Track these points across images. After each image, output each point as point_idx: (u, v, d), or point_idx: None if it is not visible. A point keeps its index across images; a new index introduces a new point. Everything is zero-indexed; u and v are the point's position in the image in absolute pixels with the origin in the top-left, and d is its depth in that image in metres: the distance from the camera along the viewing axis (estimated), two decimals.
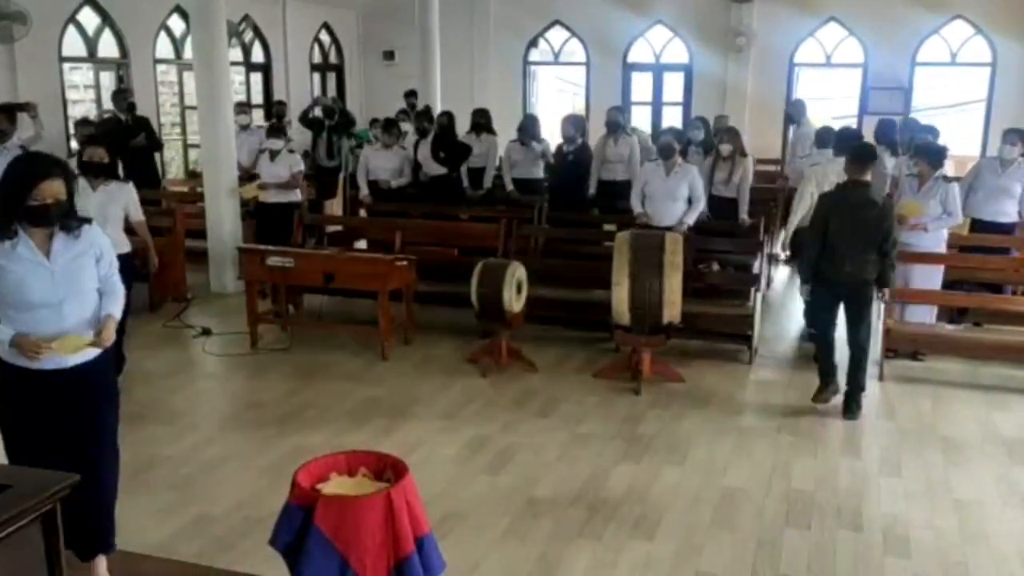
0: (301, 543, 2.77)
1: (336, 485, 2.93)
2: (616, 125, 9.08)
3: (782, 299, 8.78)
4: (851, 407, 5.62)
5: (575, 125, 8.79)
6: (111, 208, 5.71)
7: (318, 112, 11.39)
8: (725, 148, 7.99)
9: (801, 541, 4.15)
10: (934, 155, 6.74)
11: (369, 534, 2.73)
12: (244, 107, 10.96)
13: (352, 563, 2.72)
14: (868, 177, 5.56)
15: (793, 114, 10.95)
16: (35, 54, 9.91)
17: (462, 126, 9.85)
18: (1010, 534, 4.26)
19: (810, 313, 6.35)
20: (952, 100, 14.41)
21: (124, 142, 9.19)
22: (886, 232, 5.49)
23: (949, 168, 8.11)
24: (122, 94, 9.80)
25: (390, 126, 9.31)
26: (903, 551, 4.07)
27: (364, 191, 9.18)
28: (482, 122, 9.71)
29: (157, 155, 10.36)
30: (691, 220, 7.30)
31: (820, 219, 5.60)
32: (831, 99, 14.98)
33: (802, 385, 6.20)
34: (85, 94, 11.45)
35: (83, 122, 8.35)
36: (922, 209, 6.52)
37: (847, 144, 6.29)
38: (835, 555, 4.04)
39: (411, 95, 12.57)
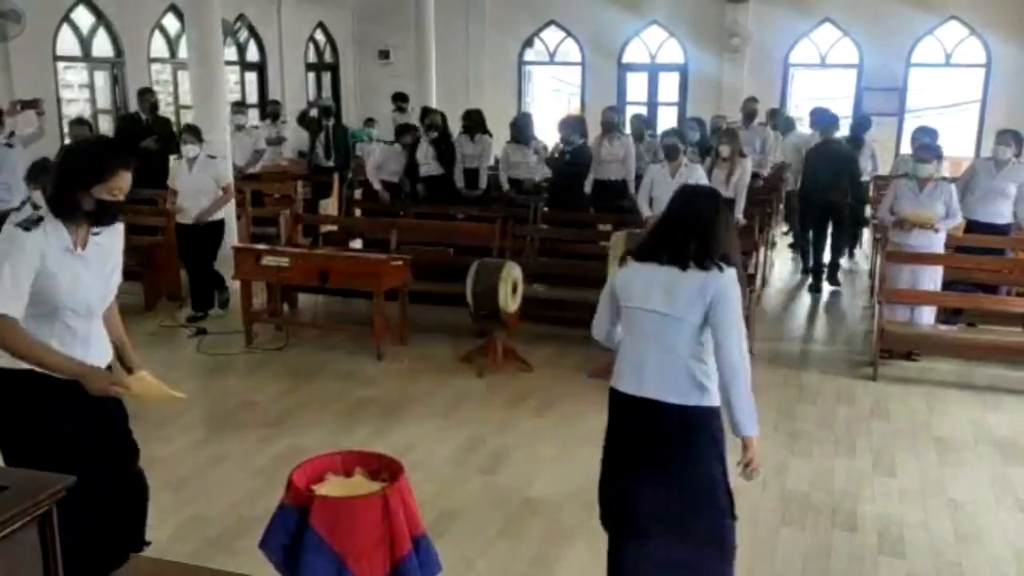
0: (297, 544, 2.76)
1: (331, 485, 2.93)
2: (612, 125, 9.11)
3: (777, 299, 8.80)
4: (833, 275, 8.93)
5: (572, 127, 8.80)
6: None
7: (314, 113, 11.39)
8: (725, 149, 8.01)
9: (796, 541, 4.15)
10: (938, 150, 6.92)
11: (365, 534, 2.73)
12: (241, 107, 10.95)
13: (349, 564, 2.71)
14: (836, 135, 8.95)
15: (780, 125, 11.11)
16: (29, 53, 9.89)
17: (455, 126, 9.85)
18: (1004, 534, 4.27)
19: (802, 226, 9.38)
20: (946, 101, 14.45)
21: (137, 142, 9.20)
22: (849, 166, 8.83)
23: (944, 169, 8.21)
24: (146, 94, 9.76)
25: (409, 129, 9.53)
26: (898, 551, 4.08)
27: (378, 186, 9.22)
28: (475, 122, 9.68)
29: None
30: None
31: (809, 163, 8.85)
32: (826, 100, 15.00)
33: (797, 385, 6.21)
34: (80, 93, 11.43)
35: (77, 122, 8.32)
36: (933, 218, 6.62)
37: (820, 118, 9.29)
38: (830, 555, 4.04)
39: (399, 98, 12.56)
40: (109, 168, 2.95)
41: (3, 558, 1.49)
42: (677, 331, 3.02)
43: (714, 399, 3.08)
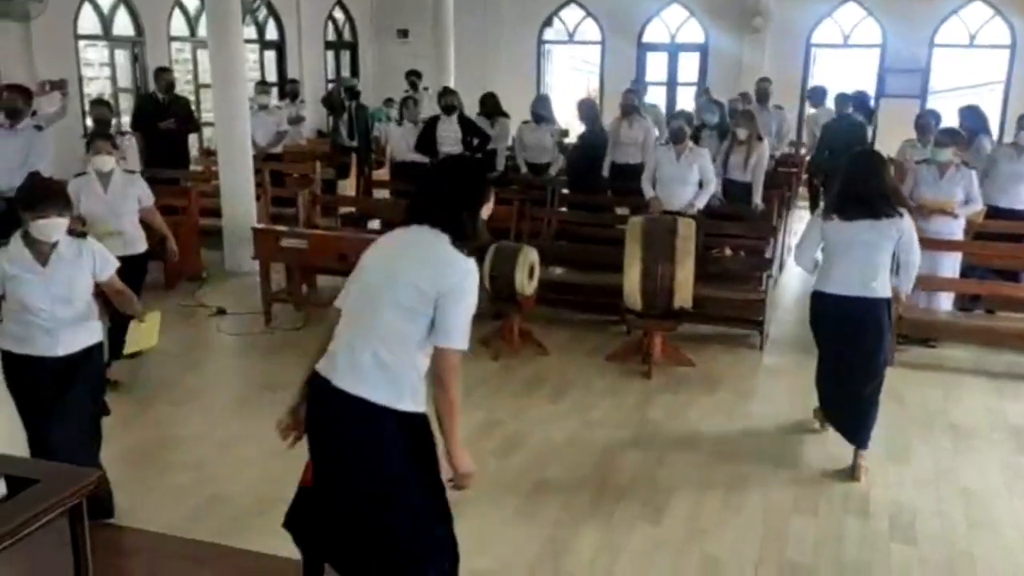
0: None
1: None
2: (631, 108, 9.06)
3: (795, 284, 8.76)
4: None
5: (583, 111, 8.81)
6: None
7: (340, 93, 11.41)
8: (742, 132, 7.92)
9: (808, 526, 4.19)
10: (961, 137, 6.81)
11: None
12: (265, 86, 10.98)
13: None
14: (850, 110, 9.82)
15: (813, 97, 11.20)
16: (51, 32, 9.93)
17: (473, 110, 9.84)
18: (1017, 523, 4.28)
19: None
20: (969, 82, 14.28)
21: (155, 123, 9.27)
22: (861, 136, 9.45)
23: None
24: (162, 73, 9.80)
25: (413, 103, 9.61)
26: (909, 538, 4.11)
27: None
28: (492, 107, 9.68)
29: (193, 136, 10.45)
30: (701, 203, 7.29)
31: (823, 138, 9.89)
32: (848, 80, 14.88)
33: (812, 371, 6.20)
34: (100, 71, 11.49)
35: (98, 102, 8.37)
36: (952, 204, 6.56)
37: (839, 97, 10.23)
38: (841, 541, 4.08)
39: (412, 74, 12.55)
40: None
41: (36, 549, 1.55)
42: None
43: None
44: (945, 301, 6.83)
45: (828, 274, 4.70)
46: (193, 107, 11.25)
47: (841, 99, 10.11)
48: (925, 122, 7.87)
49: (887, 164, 4.88)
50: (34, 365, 3.75)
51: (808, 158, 11.21)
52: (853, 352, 4.67)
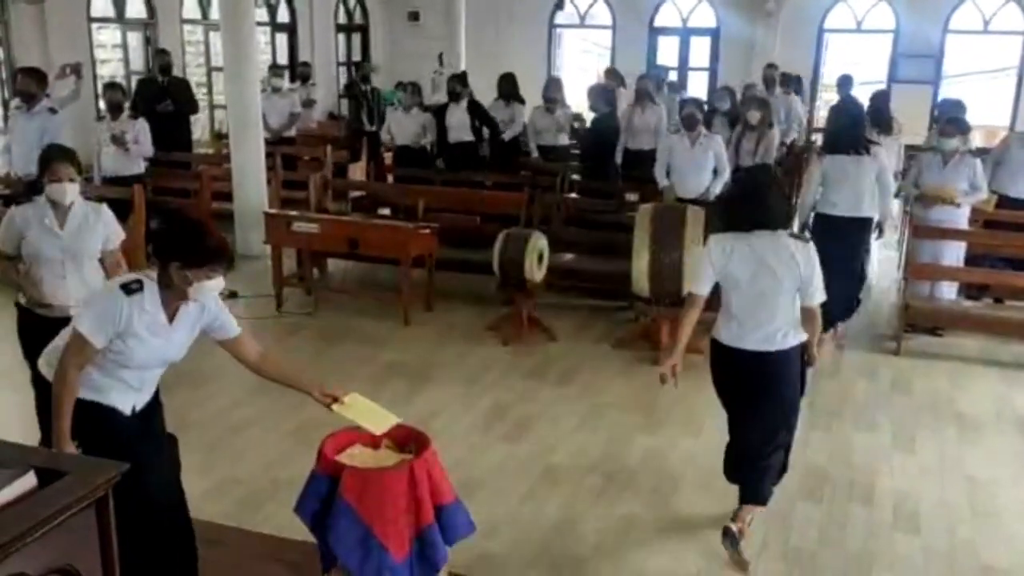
0: (327, 511, 2.89)
1: (360, 456, 3.04)
2: (645, 94, 9.06)
3: None
4: None
5: (598, 95, 8.80)
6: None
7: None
8: (754, 116, 7.84)
9: (813, 514, 4.23)
10: (964, 125, 6.81)
11: (392, 504, 2.85)
12: (278, 69, 11.00)
13: (376, 531, 2.83)
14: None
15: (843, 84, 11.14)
16: (64, 14, 9.99)
17: (486, 93, 9.83)
18: (1021, 512, 4.31)
19: None
20: (983, 68, 14.20)
21: (154, 105, 9.30)
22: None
23: (978, 139, 8.12)
24: (157, 56, 9.85)
25: (415, 87, 9.46)
26: (912, 527, 4.14)
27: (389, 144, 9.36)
28: (509, 89, 9.68)
29: (194, 117, 10.46)
30: (717, 190, 7.30)
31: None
32: (860, 65, 14.81)
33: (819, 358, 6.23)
34: (113, 53, 11.54)
35: (111, 86, 8.40)
36: (953, 194, 6.57)
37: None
38: (845, 529, 4.12)
39: (442, 54, 12.63)
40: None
41: (66, 539, 1.62)
42: None
43: None
44: (948, 290, 6.84)
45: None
46: (194, 89, 11.26)
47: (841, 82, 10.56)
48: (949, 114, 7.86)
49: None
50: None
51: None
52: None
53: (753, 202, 3.77)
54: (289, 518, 3.26)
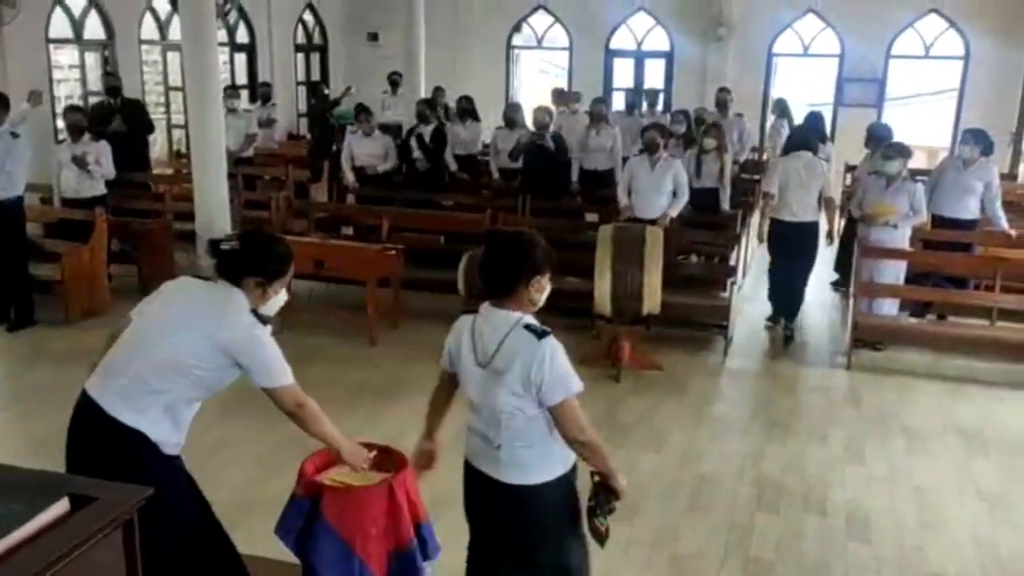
0: (308, 531, 2.99)
1: (339, 476, 3.14)
2: (599, 116, 9.29)
3: (757, 288, 9.02)
4: None
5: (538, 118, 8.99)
6: None
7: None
8: (710, 142, 8.19)
9: (770, 525, 4.41)
10: (906, 150, 7.08)
11: (372, 522, 2.96)
12: (233, 90, 11.02)
13: (356, 549, 2.94)
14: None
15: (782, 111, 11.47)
16: (23, 36, 9.91)
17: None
18: (965, 521, 4.54)
19: None
20: (925, 90, 14.73)
21: (106, 126, 9.25)
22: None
23: (921, 159, 8.44)
24: (105, 78, 9.81)
25: (366, 113, 9.34)
26: (864, 536, 4.35)
27: (349, 177, 9.31)
28: (468, 108, 9.88)
29: (151, 137, 10.42)
30: (674, 212, 7.51)
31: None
32: (808, 88, 15.30)
33: (774, 374, 6.48)
34: (70, 74, 11.47)
35: (72, 108, 8.37)
36: (894, 209, 6.83)
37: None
38: (802, 539, 4.31)
39: (394, 74, 12.75)
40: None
41: (95, 560, 1.73)
42: None
43: None
44: (887, 306, 7.12)
45: None
46: (151, 108, 11.21)
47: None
48: (876, 134, 8.25)
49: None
50: None
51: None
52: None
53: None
54: (264, 538, 3.33)
